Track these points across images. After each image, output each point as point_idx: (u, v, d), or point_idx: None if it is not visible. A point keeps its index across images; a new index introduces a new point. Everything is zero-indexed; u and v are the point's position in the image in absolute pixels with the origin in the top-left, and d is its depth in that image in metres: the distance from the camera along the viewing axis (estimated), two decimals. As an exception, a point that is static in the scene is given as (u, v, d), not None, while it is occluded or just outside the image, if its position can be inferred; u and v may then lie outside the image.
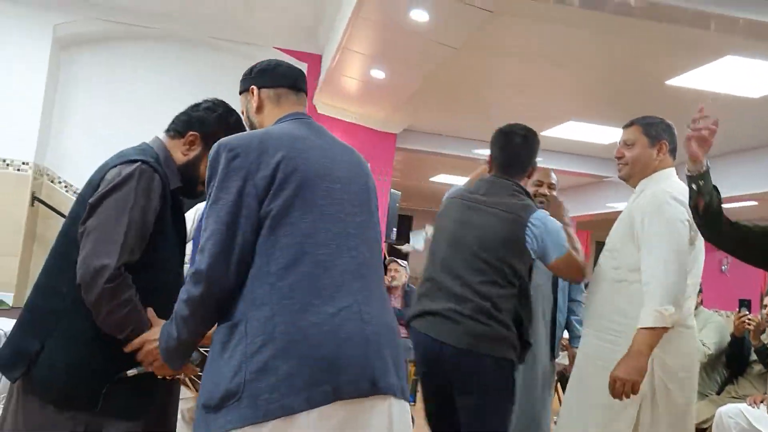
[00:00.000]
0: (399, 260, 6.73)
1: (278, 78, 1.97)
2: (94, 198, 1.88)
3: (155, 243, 1.93)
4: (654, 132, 2.68)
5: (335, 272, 1.64)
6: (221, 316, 1.66)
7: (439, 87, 5.78)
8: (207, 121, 2.08)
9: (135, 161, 1.92)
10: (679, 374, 2.52)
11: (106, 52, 6.30)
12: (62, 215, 5.79)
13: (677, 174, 2.63)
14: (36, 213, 5.98)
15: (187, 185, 2.09)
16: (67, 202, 5.88)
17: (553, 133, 7.03)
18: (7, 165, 5.81)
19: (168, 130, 2.11)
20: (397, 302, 6.48)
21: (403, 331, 6.86)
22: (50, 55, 5.96)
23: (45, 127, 6.03)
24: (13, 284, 5.70)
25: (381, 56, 5.13)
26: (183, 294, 1.67)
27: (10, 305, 5.54)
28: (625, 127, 2.75)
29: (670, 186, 2.55)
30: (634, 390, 2.33)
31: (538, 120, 6.09)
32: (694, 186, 2.20)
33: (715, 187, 2.20)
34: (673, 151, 2.68)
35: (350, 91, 6.08)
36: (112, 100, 6.23)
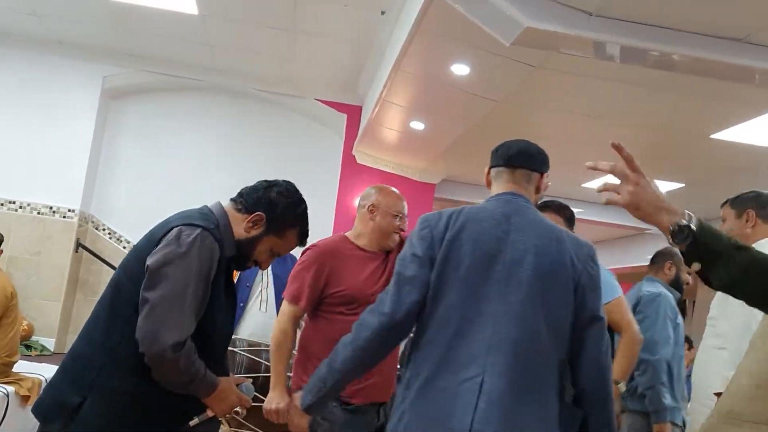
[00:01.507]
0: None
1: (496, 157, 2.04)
2: (154, 262, 1.86)
3: (207, 311, 1.93)
4: (739, 202, 2.75)
5: (473, 345, 1.78)
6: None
7: (479, 137, 5.78)
8: (277, 206, 2.07)
9: (197, 226, 1.92)
10: None
11: (152, 102, 6.47)
12: (105, 262, 5.89)
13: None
14: (80, 259, 6.09)
15: (240, 258, 2.08)
16: (110, 249, 5.99)
17: (594, 185, 6.97)
18: (54, 212, 5.94)
19: (235, 201, 2.10)
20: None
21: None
22: (99, 106, 6.14)
23: (91, 175, 6.18)
24: (55, 330, 5.78)
25: (421, 108, 5.18)
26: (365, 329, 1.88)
27: (52, 351, 5.61)
28: (721, 206, 2.84)
29: None
30: None
31: (579, 172, 6.06)
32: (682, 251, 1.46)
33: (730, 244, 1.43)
34: (766, 218, 2.69)
35: (389, 142, 6.14)
36: (157, 150, 6.37)
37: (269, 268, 3.59)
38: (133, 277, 1.90)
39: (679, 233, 1.41)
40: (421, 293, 1.84)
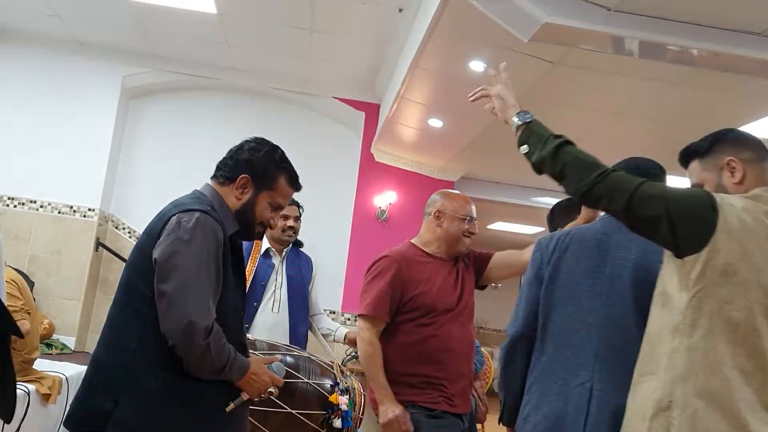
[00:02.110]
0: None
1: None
2: (161, 254, 1.87)
3: (222, 289, 1.96)
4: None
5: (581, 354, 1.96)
6: None
7: (498, 135, 5.73)
8: (255, 161, 2.09)
9: (194, 210, 1.93)
10: None
11: (171, 101, 6.51)
12: (125, 260, 5.91)
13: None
14: (99, 258, 6.14)
15: (244, 229, 2.10)
16: (129, 248, 5.96)
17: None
18: (74, 211, 5.99)
19: (216, 177, 2.11)
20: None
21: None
22: (118, 105, 6.18)
23: (111, 174, 6.22)
24: (75, 328, 5.82)
25: (439, 106, 5.16)
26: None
27: (72, 349, 5.65)
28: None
29: None
30: None
31: (598, 169, 5.99)
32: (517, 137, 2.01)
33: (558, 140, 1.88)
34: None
35: (408, 140, 6.12)
36: (176, 149, 6.40)
37: (283, 268, 3.59)
38: (142, 274, 1.91)
39: (520, 116, 1.98)
40: (532, 309, 2.10)
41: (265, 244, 3.62)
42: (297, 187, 2.19)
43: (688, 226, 1.59)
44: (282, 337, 3.45)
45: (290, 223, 3.59)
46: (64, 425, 2.00)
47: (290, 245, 3.68)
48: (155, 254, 1.88)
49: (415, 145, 6.25)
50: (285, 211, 3.57)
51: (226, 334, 1.93)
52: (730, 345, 1.53)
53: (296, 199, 3.67)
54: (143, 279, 1.90)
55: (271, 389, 2.05)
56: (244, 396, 1.98)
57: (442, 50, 4.12)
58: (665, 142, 5.47)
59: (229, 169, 2.08)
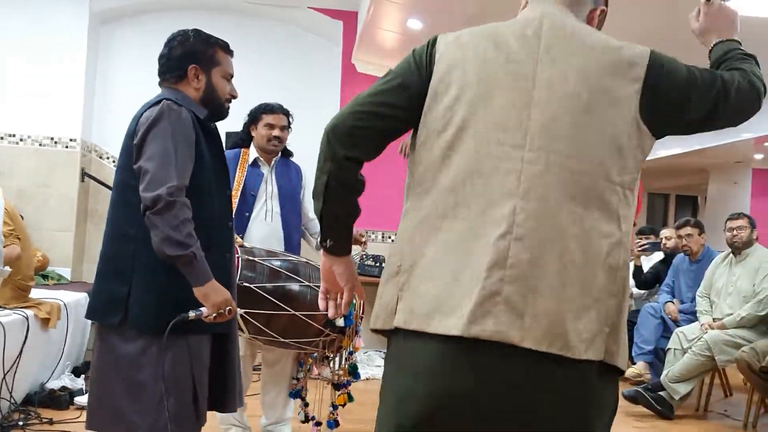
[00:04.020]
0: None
1: None
2: (137, 140, 2.05)
3: (196, 172, 2.09)
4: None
5: None
6: None
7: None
8: (192, 50, 2.22)
9: (159, 101, 2.10)
10: None
11: (142, 24, 6.31)
12: (111, 188, 5.85)
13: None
14: (87, 189, 6.08)
15: (215, 111, 2.26)
16: (116, 176, 5.94)
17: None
18: (56, 143, 5.89)
19: (166, 81, 2.25)
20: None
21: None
22: (88, 30, 5.99)
23: (89, 102, 6.09)
24: (70, 259, 5.82)
25: (418, 4, 5.01)
26: None
27: (69, 279, 5.65)
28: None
29: None
30: None
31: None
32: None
33: None
34: None
35: (388, 46, 5.97)
36: (154, 74, 6.19)
37: (273, 178, 3.55)
38: (129, 169, 2.08)
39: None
40: None
41: (253, 153, 3.56)
42: (231, 52, 2.33)
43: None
44: (277, 246, 3.44)
45: (275, 132, 3.51)
46: (86, 316, 2.22)
47: (279, 155, 3.62)
48: (134, 143, 2.07)
49: (397, 52, 6.10)
50: (270, 120, 3.53)
51: (208, 215, 2.11)
52: None
53: (285, 108, 3.60)
54: (130, 173, 2.06)
55: (231, 307, 2.08)
56: (204, 310, 2.02)
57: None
58: (651, 30, 5.36)
59: (174, 68, 2.22)
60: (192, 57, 2.21)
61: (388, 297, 1.48)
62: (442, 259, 1.40)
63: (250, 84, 5.93)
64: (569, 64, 1.41)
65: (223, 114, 2.29)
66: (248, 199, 3.48)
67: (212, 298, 2.01)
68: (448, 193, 1.42)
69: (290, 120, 3.62)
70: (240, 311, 2.87)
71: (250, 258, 2.99)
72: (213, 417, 2.86)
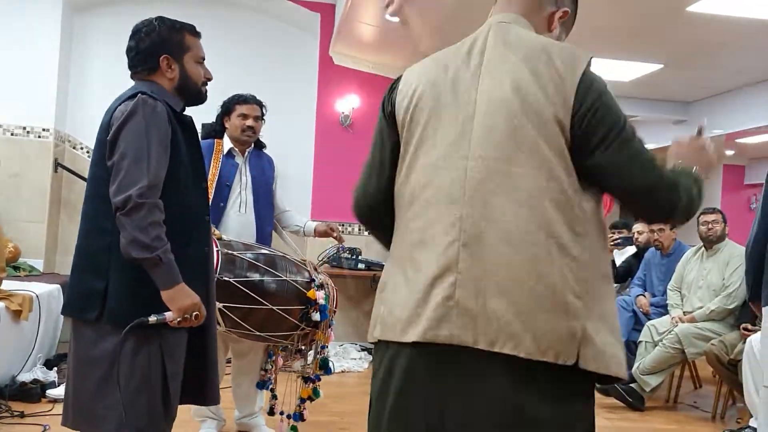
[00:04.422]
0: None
1: None
2: (111, 135, 2.02)
3: (173, 166, 2.06)
4: None
5: None
6: None
7: (461, 27, 5.62)
8: (161, 40, 2.16)
9: (134, 95, 2.05)
10: None
11: (118, 13, 6.21)
12: (86, 180, 5.79)
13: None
14: (60, 179, 6.01)
15: (191, 97, 2.23)
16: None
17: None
18: (28, 132, 5.83)
19: (138, 73, 2.20)
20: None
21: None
22: (62, 20, 5.92)
23: (63, 92, 6.03)
24: (42, 251, 5.75)
25: (396, -2, 5.01)
26: None
27: (42, 271, 5.59)
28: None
29: None
30: None
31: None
32: None
33: None
34: None
35: (366, 39, 5.97)
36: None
37: (247, 169, 3.54)
38: (102, 164, 2.05)
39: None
40: None
41: (227, 144, 3.55)
42: (198, 34, 2.28)
43: None
44: (249, 238, 3.44)
45: (249, 122, 3.50)
46: (62, 312, 2.20)
47: (252, 146, 3.61)
48: (108, 138, 2.03)
49: (375, 45, 6.11)
50: (244, 110, 3.52)
51: (183, 208, 2.09)
52: None
53: (259, 99, 3.59)
54: (104, 168, 2.03)
55: (197, 313, 2.03)
56: (168, 315, 1.99)
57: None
58: (619, 27, 5.36)
59: (144, 60, 2.17)
60: (161, 47, 2.16)
61: (373, 312, 1.59)
62: (401, 271, 1.50)
63: (226, 76, 5.91)
64: (503, 71, 1.45)
65: (201, 98, 2.26)
66: (223, 189, 3.47)
67: (179, 302, 1.98)
68: (408, 208, 1.51)
69: (264, 111, 3.62)
70: (219, 305, 2.88)
71: (229, 252, 2.99)
72: (185, 411, 2.86)
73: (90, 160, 2.14)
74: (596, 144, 1.39)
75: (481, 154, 1.42)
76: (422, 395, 1.42)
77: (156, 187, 1.98)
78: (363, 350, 5.88)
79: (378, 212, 1.63)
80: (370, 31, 5.75)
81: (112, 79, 6.03)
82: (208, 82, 2.28)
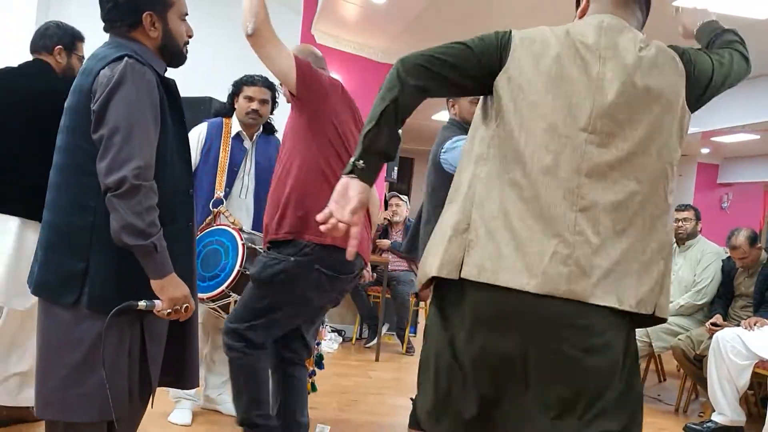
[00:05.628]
0: (400, 195, 6.72)
1: None
2: (97, 104, 1.84)
3: (160, 139, 1.92)
4: None
5: None
6: None
7: (445, 12, 5.61)
8: None
9: (121, 57, 1.88)
10: None
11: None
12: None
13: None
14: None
15: (173, 58, 2.07)
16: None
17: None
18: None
19: (116, 30, 1.99)
20: (398, 236, 6.49)
21: (405, 264, 6.82)
22: (38, 3, 5.78)
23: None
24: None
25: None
26: None
27: None
28: None
29: None
30: None
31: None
32: None
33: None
34: None
35: (349, 19, 5.92)
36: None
37: (252, 154, 3.48)
38: (82, 133, 1.88)
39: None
40: None
41: (236, 126, 3.49)
42: None
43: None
44: (246, 222, 3.43)
45: (254, 105, 3.42)
46: (35, 294, 1.99)
47: (260, 129, 3.55)
48: (94, 106, 1.85)
49: (358, 24, 6.06)
50: (250, 93, 3.45)
51: (168, 181, 1.94)
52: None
53: (270, 82, 3.48)
54: (84, 137, 1.88)
55: (188, 305, 1.94)
56: (158, 303, 1.89)
57: None
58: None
59: (125, 15, 1.96)
60: (145, 2, 1.96)
61: (455, 251, 1.61)
62: (514, 224, 1.57)
63: (207, 50, 5.83)
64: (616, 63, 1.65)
65: (181, 60, 2.09)
66: (231, 174, 3.43)
67: (170, 292, 1.87)
68: (518, 165, 1.59)
69: (275, 95, 3.53)
70: (235, 297, 2.96)
71: (252, 246, 3.09)
72: (162, 391, 2.81)
73: (60, 124, 1.96)
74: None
75: (602, 129, 1.61)
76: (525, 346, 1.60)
77: (151, 167, 1.84)
78: (333, 331, 5.90)
79: (431, 85, 1.68)
80: (354, 11, 5.70)
81: (91, 40, 5.95)
82: (187, 43, 2.11)
